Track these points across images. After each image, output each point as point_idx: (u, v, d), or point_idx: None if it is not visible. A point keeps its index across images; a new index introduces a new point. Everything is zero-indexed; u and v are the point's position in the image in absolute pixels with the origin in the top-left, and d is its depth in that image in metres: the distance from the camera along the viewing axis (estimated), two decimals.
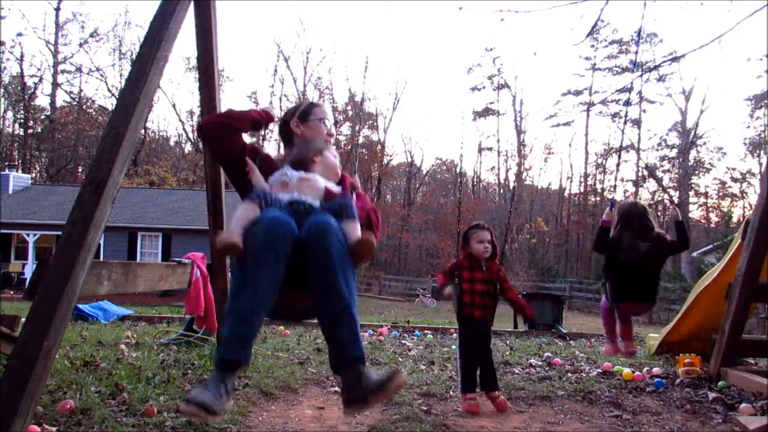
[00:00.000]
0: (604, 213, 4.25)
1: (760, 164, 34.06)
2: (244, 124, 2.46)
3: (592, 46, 38.50)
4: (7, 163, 30.35)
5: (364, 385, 1.78)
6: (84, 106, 37.51)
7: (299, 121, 2.62)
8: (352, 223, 2.07)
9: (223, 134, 2.41)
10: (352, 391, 1.80)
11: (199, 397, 1.70)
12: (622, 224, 4.04)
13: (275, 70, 40.02)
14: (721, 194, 40.91)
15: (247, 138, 2.51)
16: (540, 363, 5.34)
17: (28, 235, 21.12)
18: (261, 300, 1.86)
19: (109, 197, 2.45)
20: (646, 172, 39.29)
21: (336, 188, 2.27)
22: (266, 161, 2.44)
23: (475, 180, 46.11)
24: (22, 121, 37.26)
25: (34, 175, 36.69)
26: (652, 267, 4.00)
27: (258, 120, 2.52)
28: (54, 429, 2.79)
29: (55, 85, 36.23)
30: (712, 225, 38.08)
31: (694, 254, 26.56)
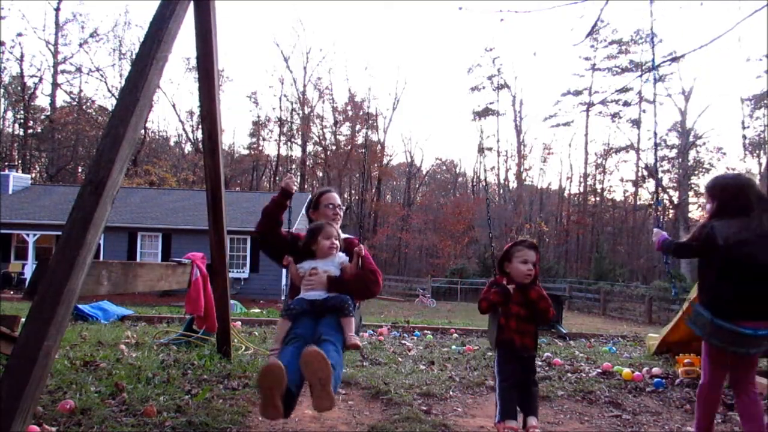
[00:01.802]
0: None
1: (760, 164, 34.07)
2: (277, 209, 3.26)
3: (592, 46, 38.53)
4: (7, 163, 30.35)
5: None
6: (84, 106, 37.52)
7: (313, 210, 3.52)
8: (347, 320, 2.96)
9: (269, 228, 3.28)
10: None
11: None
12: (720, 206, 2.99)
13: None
14: None
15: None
16: (540, 363, 5.33)
17: (28, 235, 21.12)
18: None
19: (109, 197, 2.45)
20: (646, 172, 39.28)
21: (338, 270, 3.14)
22: (296, 238, 3.37)
23: (474, 180, 46.13)
24: (22, 121, 37.27)
25: (34, 175, 36.71)
26: None
27: (279, 200, 3.28)
28: (54, 429, 2.79)
29: (55, 85, 36.24)
30: None
31: None
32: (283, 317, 3.04)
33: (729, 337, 2.79)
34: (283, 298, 3.37)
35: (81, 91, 38.26)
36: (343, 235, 3.41)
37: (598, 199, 42.87)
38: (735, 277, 2.83)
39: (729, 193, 2.97)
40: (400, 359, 5.28)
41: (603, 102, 39.61)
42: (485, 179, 5.41)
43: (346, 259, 3.21)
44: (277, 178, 43.30)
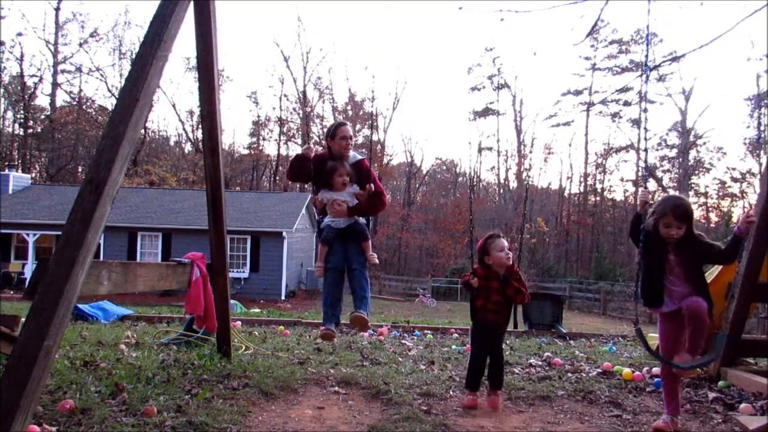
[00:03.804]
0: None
1: (760, 164, 34.06)
2: (300, 164, 4.34)
3: (592, 46, 38.57)
4: (7, 163, 30.35)
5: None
6: (84, 106, 37.52)
7: (330, 138, 4.36)
8: (366, 243, 4.28)
9: (298, 173, 4.42)
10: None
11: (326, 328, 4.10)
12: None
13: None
14: (721, 194, 40.93)
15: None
16: (540, 363, 5.33)
17: (28, 235, 21.12)
18: (336, 301, 4.23)
19: (109, 197, 2.45)
20: (646, 172, 39.28)
21: (352, 198, 4.25)
22: (317, 163, 4.31)
23: (475, 180, 46.11)
24: (22, 121, 37.27)
25: (34, 175, 36.71)
26: None
27: (303, 158, 4.35)
28: (54, 429, 2.79)
29: (55, 85, 36.26)
30: (712, 225, 38.09)
31: None
32: (322, 243, 4.26)
33: None
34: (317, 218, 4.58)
35: (81, 90, 38.33)
36: (353, 158, 4.35)
37: (598, 198, 42.88)
38: None
39: None
40: (400, 359, 5.28)
41: (603, 102, 39.65)
42: (466, 175, 5.46)
43: (357, 188, 4.26)
44: (278, 178, 43.28)
